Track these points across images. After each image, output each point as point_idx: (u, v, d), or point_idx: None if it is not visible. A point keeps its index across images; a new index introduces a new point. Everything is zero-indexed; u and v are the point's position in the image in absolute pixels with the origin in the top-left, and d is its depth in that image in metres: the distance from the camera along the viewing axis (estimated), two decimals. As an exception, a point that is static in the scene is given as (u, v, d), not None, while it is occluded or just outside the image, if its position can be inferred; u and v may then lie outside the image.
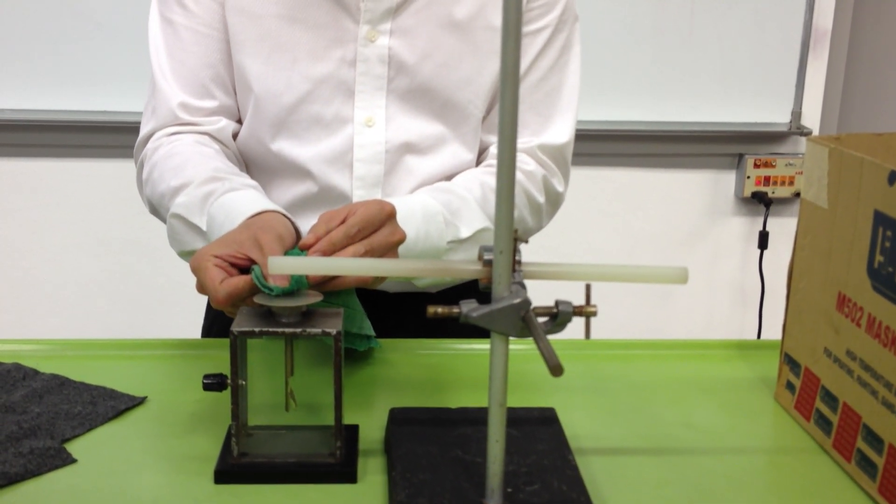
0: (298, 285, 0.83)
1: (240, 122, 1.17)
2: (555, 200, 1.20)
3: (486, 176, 1.13)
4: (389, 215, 0.92)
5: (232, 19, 1.10)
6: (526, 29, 1.14)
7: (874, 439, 0.80)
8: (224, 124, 1.14)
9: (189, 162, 1.06)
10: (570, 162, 1.22)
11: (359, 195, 1.13)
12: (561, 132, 1.18)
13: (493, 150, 1.18)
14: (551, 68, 1.16)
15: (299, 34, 1.09)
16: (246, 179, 1.06)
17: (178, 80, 1.12)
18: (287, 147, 1.12)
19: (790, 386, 0.95)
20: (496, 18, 1.11)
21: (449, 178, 1.15)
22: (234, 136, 1.17)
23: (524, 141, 1.17)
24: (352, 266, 0.79)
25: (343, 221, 0.89)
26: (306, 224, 1.14)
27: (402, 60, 1.10)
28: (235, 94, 1.16)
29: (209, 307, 1.31)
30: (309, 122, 1.12)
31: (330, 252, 0.87)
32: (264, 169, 1.16)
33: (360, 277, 0.88)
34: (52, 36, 2.16)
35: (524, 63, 1.15)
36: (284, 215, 0.96)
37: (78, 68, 2.18)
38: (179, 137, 1.11)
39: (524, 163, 1.17)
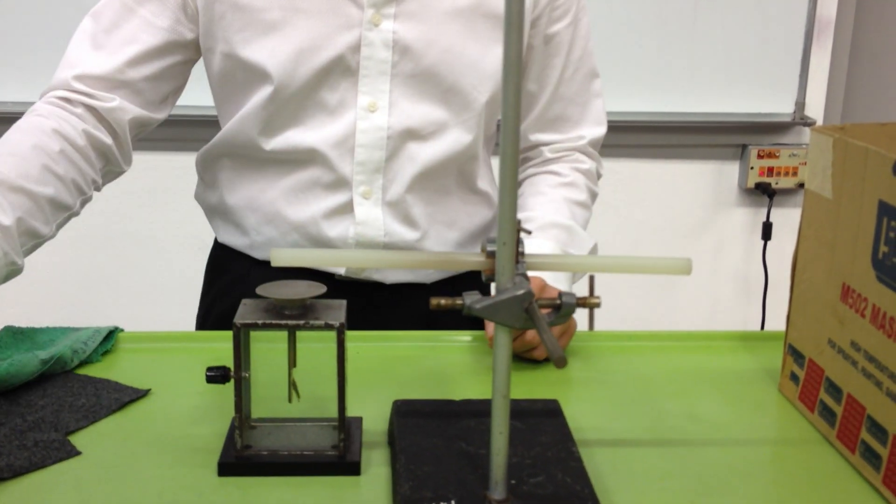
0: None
1: (155, 108, 1.15)
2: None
3: (569, 192, 1.22)
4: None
5: (233, 16, 1.09)
6: (553, 28, 1.18)
7: (878, 430, 0.79)
8: (117, 104, 1.11)
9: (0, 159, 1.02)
10: None
11: (359, 180, 1.13)
12: (600, 118, 1.27)
13: (548, 153, 1.25)
14: (581, 58, 1.22)
15: (302, 23, 1.08)
16: (11, 198, 0.98)
17: (97, 49, 1.10)
18: (291, 134, 1.12)
19: (794, 377, 0.95)
20: (496, 5, 1.12)
21: (448, 163, 1.16)
22: (137, 125, 1.14)
23: (573, 137, 1.25)
24: (355, 258, 0.78)
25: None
26: (307, 209, 1.14)
27: (407, 44, 1.10)
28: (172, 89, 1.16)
29: (203, 299, 1.31)
30: (315, 109, 1.11)
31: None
32: (266, 157, 1.15)
33: None
34: (54, 29, 2.15)
35: (558, 61, 1.20)
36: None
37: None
38: (48, 115, 1.08)
39: (580, 162, 1.25)
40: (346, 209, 1.15)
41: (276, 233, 1.17)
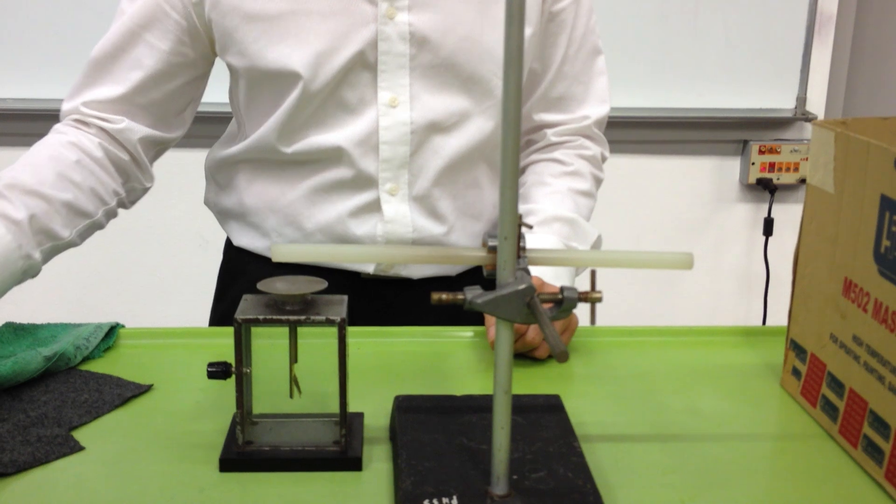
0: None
1: (166, 128, 1.17)
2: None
3: (573, 182, 1.20)
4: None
5: (247, 27, 1.08)
6: (557, 6, 1.17)
7: (881, 425, 0.79)
8: (125, 125, 1.13)
9: (17, 168, 1.05)
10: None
11: (385, 177, 1.13)
12: (604, 96, 1.24)
13: (552, 136, 1.23)
14: (584, 35, 1.20)
15: (317, 25, 1.07)
16: (25, 200, 1.01)
17: (103, 76, 1.13)
18: (313, 135, 1.12)
19: (796, 372, 0.95)
20: None
21: (474, 153, 1.15)
22: (150, 143, 1.16)
23: (578, 118, 1.23)
24: (354, 253, 0.78)
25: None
26: (332, 209, 1.13)
27: (424, 36, 1.09)
28: (183, 114, 1.17)
29: (217, 304, 1.30)
30: (336, 109, 1.11)
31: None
32: (288, 160, 1.15)
33: None
34: (54, 28, 2.16)
35: (562, 39, 1.19)
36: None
37: (82, 58, 2.17)
38: (66, 132, 1.11)
39: (585, 148, 1.23)
40: (373, 207, 1.15)
41: (299, 234, 1.17)
